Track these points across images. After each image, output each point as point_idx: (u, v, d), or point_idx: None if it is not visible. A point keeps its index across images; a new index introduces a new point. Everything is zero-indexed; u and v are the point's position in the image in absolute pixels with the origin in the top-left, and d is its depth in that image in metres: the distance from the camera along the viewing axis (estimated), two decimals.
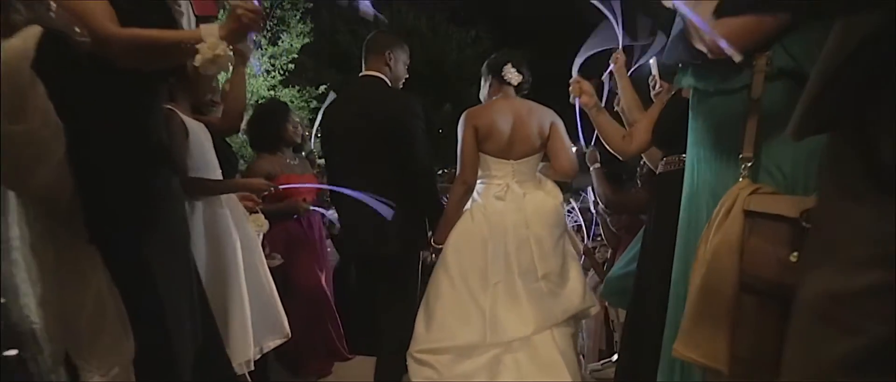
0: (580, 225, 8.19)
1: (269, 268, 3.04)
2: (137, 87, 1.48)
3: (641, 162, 2.98)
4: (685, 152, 1.81)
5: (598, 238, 7.69)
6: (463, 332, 2.29)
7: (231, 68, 1.86)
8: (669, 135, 2.06)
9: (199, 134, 2.14)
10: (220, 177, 2.23)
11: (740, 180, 1.42)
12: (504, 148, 2.49)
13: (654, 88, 2.47)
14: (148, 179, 1.48)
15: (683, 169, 1.79)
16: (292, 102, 11.04)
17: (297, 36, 10.75)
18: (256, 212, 2.47)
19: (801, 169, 1.42)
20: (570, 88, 2.21)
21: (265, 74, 10.62)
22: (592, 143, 2.77)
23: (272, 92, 10.74)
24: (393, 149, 2.46)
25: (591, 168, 2.92)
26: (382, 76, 2.58)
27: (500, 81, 2.58)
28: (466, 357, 2.29)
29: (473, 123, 2.47)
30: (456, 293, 2.34)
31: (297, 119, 3.33)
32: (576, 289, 2.43)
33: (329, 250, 3.99)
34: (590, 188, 5.09)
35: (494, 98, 2.58)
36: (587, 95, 2.19)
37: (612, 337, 3.66)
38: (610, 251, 3.99)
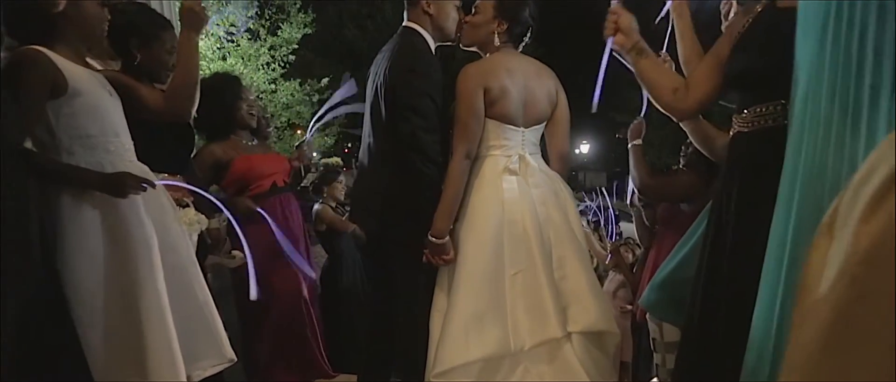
0: (598, 222, 7.67)
1: (230, 269, 2.58)
2: None
3: (686, 141, 2.44)
4: (783, 98, 1.26)
5: (618, 238, 7.17)
6: (479, 344, 1.91)
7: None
8: (758, 73, 1.40)
9: (89, 87, 1.59)
10: (129, 146, 1.68)
11: None
12: (516, 113, 2.06)
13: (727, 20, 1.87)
14: None
15: (784, 123, 1.24)
16: (293, 95, 10.72)
17: (297, 26, 10.32)
18: (187, 205, 1.93)
19: None
20: (606, 23, 1.62)
21: (265, 66, 10.26)
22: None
23: (273, 85, 10.38)
24: (394, 119, 2.09)
25: (630, 144, 2.39)
26: (420, 28, 2.18)
27: (511, 33, 2.12)
28: (487, 373, 1.93)
29: (483, 83, 2.01)
30: (470, 294, 1.93)
31: (252, 97, 2.76)
32: (589, 299, 2.02)
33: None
34: (602, 188, 4.58)
35: (498, 51, 2.11)
36: (625, 32, 1.60)
37: (647, 355, 3.07)
38: (640, 249, 3.42)
